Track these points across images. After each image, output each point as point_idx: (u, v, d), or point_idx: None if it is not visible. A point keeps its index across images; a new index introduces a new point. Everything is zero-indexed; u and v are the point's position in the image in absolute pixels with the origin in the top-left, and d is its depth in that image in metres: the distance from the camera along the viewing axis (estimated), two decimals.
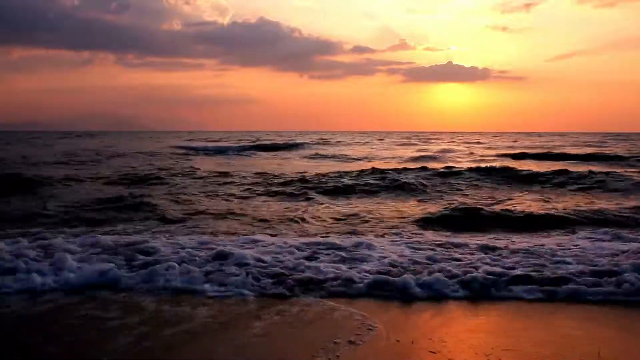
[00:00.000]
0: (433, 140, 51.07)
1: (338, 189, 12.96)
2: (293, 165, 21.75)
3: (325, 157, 26.84)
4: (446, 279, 5.24)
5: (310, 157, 26.86)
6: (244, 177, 15.63)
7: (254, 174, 16.47)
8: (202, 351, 3.76)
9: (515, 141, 49.04)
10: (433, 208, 10.36)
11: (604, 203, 10.82)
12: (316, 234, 7.88)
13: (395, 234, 7.92)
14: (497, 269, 5.57)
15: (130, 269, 5.65)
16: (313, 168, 19.32)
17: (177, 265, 5.61)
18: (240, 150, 33.04)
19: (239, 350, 3.78)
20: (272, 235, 7.68)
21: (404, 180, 14.00)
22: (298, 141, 43.43)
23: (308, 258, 6.15)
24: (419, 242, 7.20)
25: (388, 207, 10.68)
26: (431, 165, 20.30)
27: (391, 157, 27.02)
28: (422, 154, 28.57)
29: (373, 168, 17.06)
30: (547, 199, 11.52)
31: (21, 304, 4.74)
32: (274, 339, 4.00)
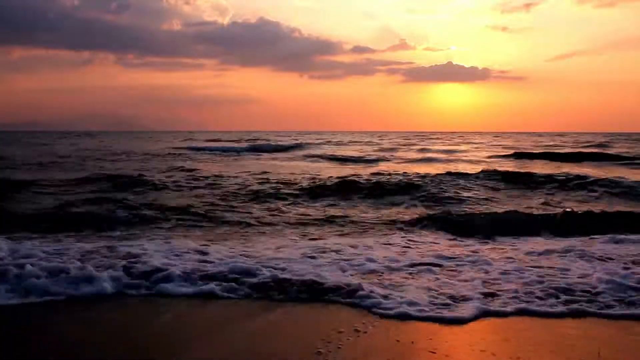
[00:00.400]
0: (433, 141, 51.04)
1: (340, 190, 12.89)
2: (293, 166, 21.70)
3: (324, 158, 26.79)
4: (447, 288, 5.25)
5: (311, 158, 26.83)
6: (242, 177, 15.61)
7: (253, 174, 16.45)
8: (203, 351, 3.75)
9: (517, 141, 49.05)
10: (435, 210, 10.33)
11: (611, 205, 10.82)
12: (320, 236, 7.86)
13: (398, 236, 7.85)
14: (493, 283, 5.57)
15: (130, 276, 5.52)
16: (314, 169, 19.29)
17: (170, 268, 5.58)
18: (240, 151, 33.07)
19: (240, 349, 3.78)
20: (272, 238, 7.68)
21: (407, 181, 13.94)
22: (298, 141, 43.41)
23: (312, 259, 6.13)
24: (420, 244, 7.22)
25: (391, 209, 10.66)
26: (435, 165, 20.27)
27: (392, 157, 26.99)
28: (425, 155, 28.54)
29: (374, 169, 17.06)
30: (550, 202, 11.48)
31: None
32: (276, 336, 3.99)
